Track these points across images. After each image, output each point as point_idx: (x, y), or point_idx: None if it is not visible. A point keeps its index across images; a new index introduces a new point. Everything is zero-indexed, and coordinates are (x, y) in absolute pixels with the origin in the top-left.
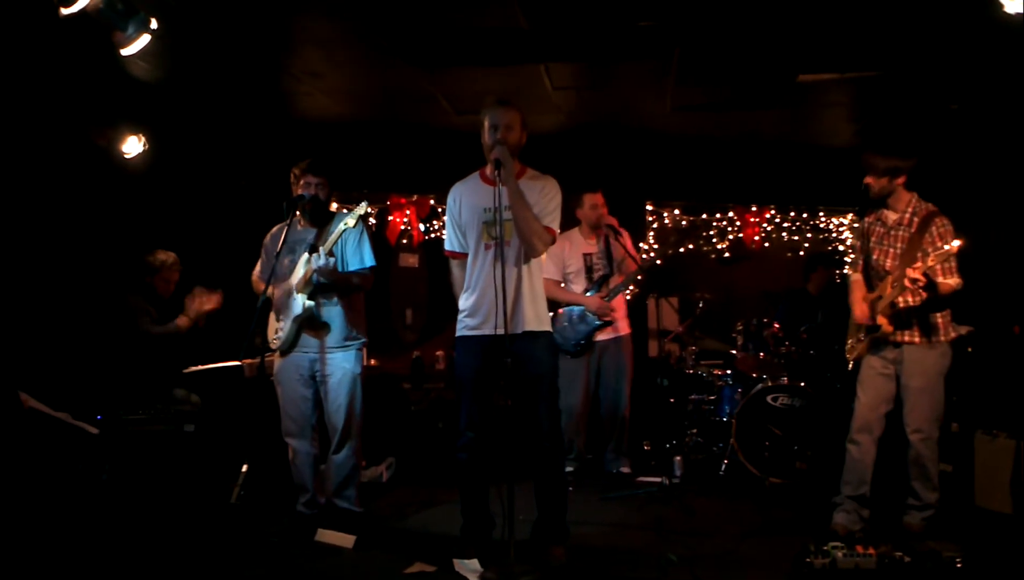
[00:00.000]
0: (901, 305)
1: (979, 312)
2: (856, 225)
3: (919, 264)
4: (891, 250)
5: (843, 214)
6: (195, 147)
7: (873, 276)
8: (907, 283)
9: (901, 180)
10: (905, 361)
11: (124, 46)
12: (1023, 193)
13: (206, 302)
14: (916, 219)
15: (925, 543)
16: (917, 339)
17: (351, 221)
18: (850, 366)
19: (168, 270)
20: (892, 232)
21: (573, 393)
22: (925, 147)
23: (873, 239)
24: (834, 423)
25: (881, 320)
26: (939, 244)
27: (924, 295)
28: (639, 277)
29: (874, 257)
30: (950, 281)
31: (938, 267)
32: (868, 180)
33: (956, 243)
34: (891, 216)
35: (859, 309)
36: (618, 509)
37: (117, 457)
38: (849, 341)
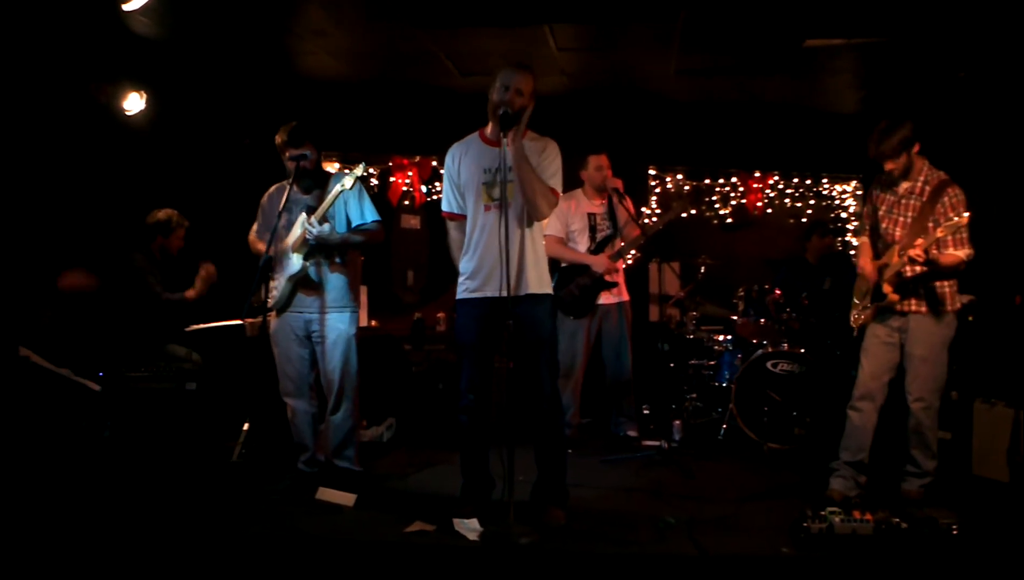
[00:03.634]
0: (908, 274)
1: (980, 282)
2: (860, 193)
3: (920, 240)
4: (900, 219)
5: (846, 181)
6: (198, 105)
7: (880, 244)
8: (906, 261)
9: (916, 148)
10: (910, 330)
11: (126, 2)
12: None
13: (211, 275)
14: (928, 188)
15: (922, 510)
16: (923, 309)
17: (348, 182)
18: (855, 333)
19: (177, 227)
20: (903, 201)
21: (570, 354)
22: (931, 115)
23: (883, 207)
24: (833, 390)
25: (887, 289)
26: (951, 214)
27: (925, 267)
28: (641, 242)
29: (883, 225)
30: (959, 253)
31: (949, 238)
32: (889, 166)
33: (966, 215)
34: (903, 185)
35: (870, 268)
36: (617, 472)
37: (119, 414)
38: (854, 309)
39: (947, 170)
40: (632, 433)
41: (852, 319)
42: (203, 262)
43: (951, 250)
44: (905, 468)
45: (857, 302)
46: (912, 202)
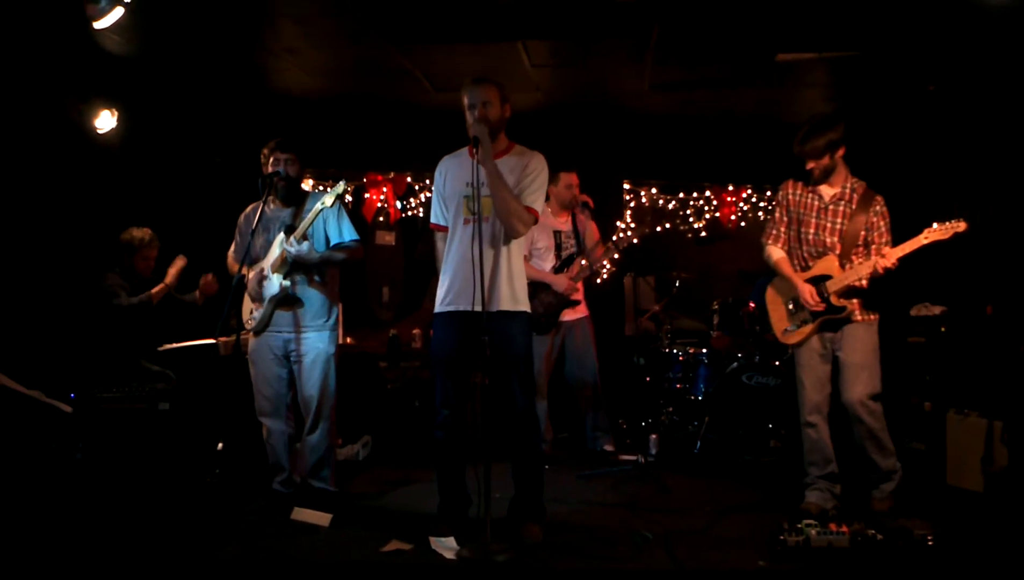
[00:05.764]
0: (864, 285)
1: (952, 292)
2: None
3: (888, 250)
4: (829, 225)
5: None
6: (170, 123)
7: (807, 251)
8: (880, 271)
9: (841, 152)
10: (845, 338)
11: (97, 19)
12: (996, 174)
13: (179, 263)
14: (856, 195)
15: (897, 521)
16: (859, 317)
17: (328, 200)
18: (789, 352)
19: (146, 248)
20: (831, 207)
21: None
22: (902, 127)
23: (807, 213)
24: None
25: (841, 301)
26: (882, 224)
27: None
28: (615, 257)
29: (810, 232)
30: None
31: (885, 242)
32: (810, 165)
33: (963, 222)
34: (828, 190)
35: (807, 292)
36: (594, 487)
37: (91, 435)
38: (785, 325)
39: (916, 182)
40: (609, 447)
41: (781, 336)
42: (204, 276)
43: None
44: (869, 477)
45: (785, 319)
46: (842, 208)
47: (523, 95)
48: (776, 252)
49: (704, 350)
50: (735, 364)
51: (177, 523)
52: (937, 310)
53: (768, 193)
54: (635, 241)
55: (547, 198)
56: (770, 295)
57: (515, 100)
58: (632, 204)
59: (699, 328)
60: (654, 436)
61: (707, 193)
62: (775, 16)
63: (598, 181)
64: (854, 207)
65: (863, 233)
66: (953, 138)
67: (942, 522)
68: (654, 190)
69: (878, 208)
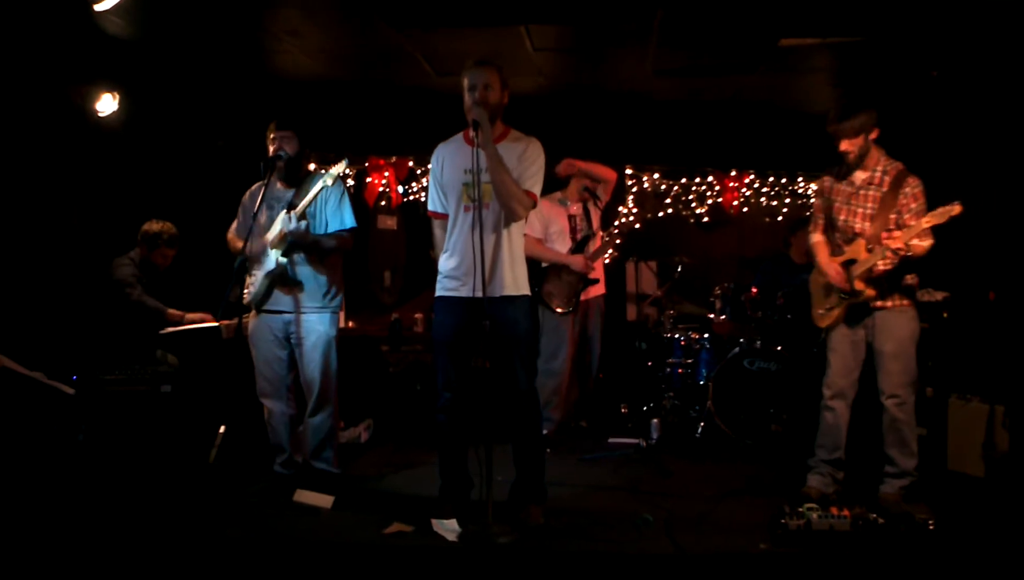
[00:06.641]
0: (882, 269)
1: (955, 278)
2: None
3: (898, 233)
4: (860, 210)
5: (821, 180)
6: (172, 106)
7: (840, 237)
8: (889, 254)
9: (874, 134)
10: (877, 326)
11: (98, 1)
12: (999, 160)
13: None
14: (887, 178)
15: (899, 506)
16: (890, 303)
17: (329, 180)
18: (822, 334)
19: (168, 245)
20: (861, 191)
21: (553, 349)
22: (904, 113)
23: (839, 199)
24: (809, 387)
25: (860, 285)
26: (912, 205)
27: (897, 259)
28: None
29: (841, 217)
30: (923, 243)
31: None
32: (844, 146)
33: (957, 205)
34: (860, 175)
35: (834, 272)
36: (595, 471)
37: (93, 418)
38: (819, 309)
39: (920, 167)
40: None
41: (817, 318)
42: (206, 314)
43: (917, 242)
44: (884, 469)
45: (820, 301)
46: (871, 192)
47: (525, 79)
48: (814, 237)
49: (706, 335)
50: (736, 349)
51: (179, 505)
52: (940, 296)
53: (771, 179)
54: (636, 226)
55: (566, 185)
56: (812, 277)
57: (517, 84)
58: (634, 189)
59: (701, 313)
60: (655, 420)
61: (709, 178)
62: (778, 1)
63: None
64: (884, 190)
65: (893, 216)
66: (956, 123)
67: (943, 507)
68: (656, 175)
69: (908, 189)
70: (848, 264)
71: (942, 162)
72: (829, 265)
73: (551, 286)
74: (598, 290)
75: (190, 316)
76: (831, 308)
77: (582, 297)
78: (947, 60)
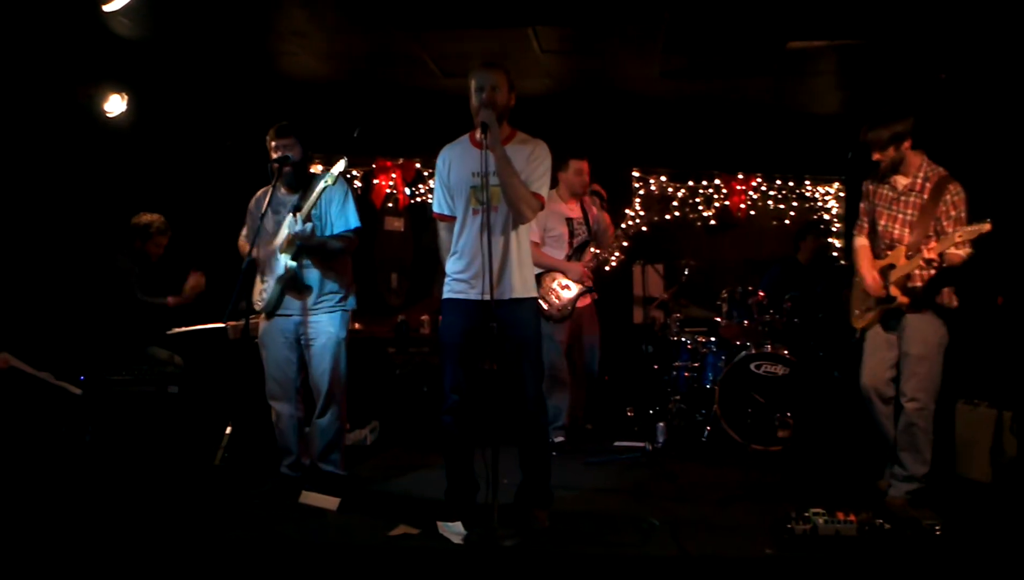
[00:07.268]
0: (918, 281)
1: (963, 283)
2: (843, 194)
3: (934, 244)
4: (900, 217)
5: (829, 183)
6: (179, 106)
7: (880, 242)
8: (922, 263)
9: (907, 144)
10: (907, 329)
11: (107, 2)
12: (1008, 164)
13: (199, 285)
14: (928, 185)
15: (905, 511)
16: (922, 309)
17: (331, 180)
18: (856, 335)
19: (159, 234)
20: (903, 198)
21: (549, 357)
22: (912, 116)
23: (882, 204)
24: (816, 391)
25: (895, 291)
26: (952, 212)
27: (934, 270)
28: (624, 244)
29: (882, 223)
30: (960, 252)
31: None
32: (876, 156)
33: (988, 222)
34: (901, 181)
35: (871, 278)
36: (601, 474)
37: (100, 418)
38: (856, 309)
39: None
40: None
41: (854, 319)
42: (194, 271)
43: (954, 251)
44: (892, 470)
45: (859, 303)
46: (912, 199)
47: (533, 81)
48: (858, 240)
49: (712, 338)
50: (743, 353)
51: (185, 506)
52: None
53: (778, 182)
54: (644, 229)
55: (556, 184)
56: (854, 280)
57: (525, 86)
58: (641, 192)
59: (707, 316)
60: (662, 424)
61: (716, 181)
62: (786, 3)
63: (607, 168)
64: (925, 197)
65: (933, 223)
66: (965, 127)
67: (950, 512)
68: (663, 178)
69: (948, 197)
70: (887, 269)
71: (951, 166)
72: (868, 272)
73: (545, 292)
74: (592, 297)
75: (189, 285)
76: (867, 310)
77: (577, 304)
78: (955, 62)
